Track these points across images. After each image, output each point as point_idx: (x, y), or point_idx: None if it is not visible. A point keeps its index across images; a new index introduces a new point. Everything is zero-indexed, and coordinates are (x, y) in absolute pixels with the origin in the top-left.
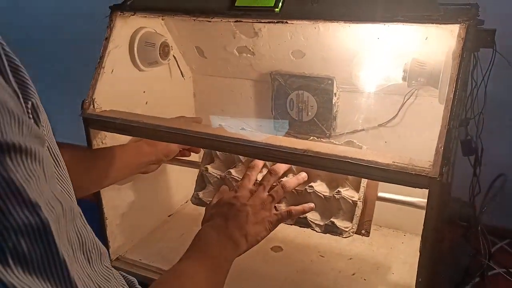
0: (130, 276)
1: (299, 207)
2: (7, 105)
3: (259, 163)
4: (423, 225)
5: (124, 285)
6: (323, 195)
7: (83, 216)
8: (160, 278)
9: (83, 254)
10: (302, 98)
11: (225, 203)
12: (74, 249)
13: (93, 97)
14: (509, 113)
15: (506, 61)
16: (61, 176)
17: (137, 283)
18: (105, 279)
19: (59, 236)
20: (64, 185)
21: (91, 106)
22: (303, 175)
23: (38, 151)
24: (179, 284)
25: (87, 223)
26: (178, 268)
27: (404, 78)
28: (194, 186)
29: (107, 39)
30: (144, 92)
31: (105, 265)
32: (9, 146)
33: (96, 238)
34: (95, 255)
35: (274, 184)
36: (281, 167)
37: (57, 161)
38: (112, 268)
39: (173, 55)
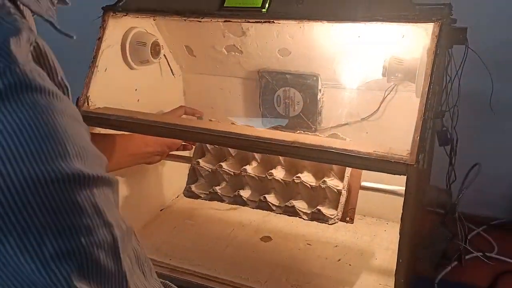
0: (173, 285)
1: None
2: (90, 142)
3: None
4: (402, 209)
5: None
6: (310, 185)
7: (136, 235)
8: None
9: (139, 268)
10: (288, 94)
11: None
12: (133, 263)
13: (88, 95)
14: (482, 106)
15: (477, 56)
16: None
17: None
18: None
19: (122, 252)
20: None
21: (86, 104)
22: None
23: (110, 179)
24: None
25: (139, 241)
26: None
27: (383, 74)
28: (186, 180)
29: (100, 39)
30: (136, 90)
31: (155, 278)
32: (95, 178)
33: (146, 255)
34: (147, 269)
35: None
36: None
37: None
38: (159, 280)
39: (164, 54)
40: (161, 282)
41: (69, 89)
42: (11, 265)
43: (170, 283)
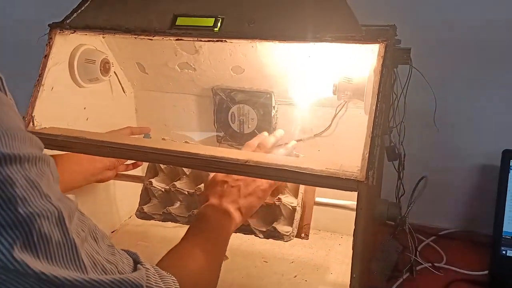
0: (132, 251)
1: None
2: (20, 125)
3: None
4: (354, 224)
5: (128, 258)
6: (265, 202)
7: (79, 209)
8: (161, 261)
9: (90, 236)
10: (243, 111)
11: (218, 182)
12: (85, 233)
13: (33, 115)
14: (427, 121)
15: (421, 75)
16: None
17: (141, 257)
18: (111, 254)
19: (69, 222)
20: None
21: (31, 124)
22: None
23: (45, 157)
24: (179, 264)
25: (84, 214)
26: (177, 249)
27: (334, 92)
28: (139, 200)
29: (46, 56)
30: (84, 108)
31: (108, 244)
32: (25, 156)
33: (95, 224)
34: (100, 236)
35: None
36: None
37: None
38: (114, 246)
39: (114, 72)
40: (123, 250)
41: (3, 79)
42: None
43: (133, 252)
